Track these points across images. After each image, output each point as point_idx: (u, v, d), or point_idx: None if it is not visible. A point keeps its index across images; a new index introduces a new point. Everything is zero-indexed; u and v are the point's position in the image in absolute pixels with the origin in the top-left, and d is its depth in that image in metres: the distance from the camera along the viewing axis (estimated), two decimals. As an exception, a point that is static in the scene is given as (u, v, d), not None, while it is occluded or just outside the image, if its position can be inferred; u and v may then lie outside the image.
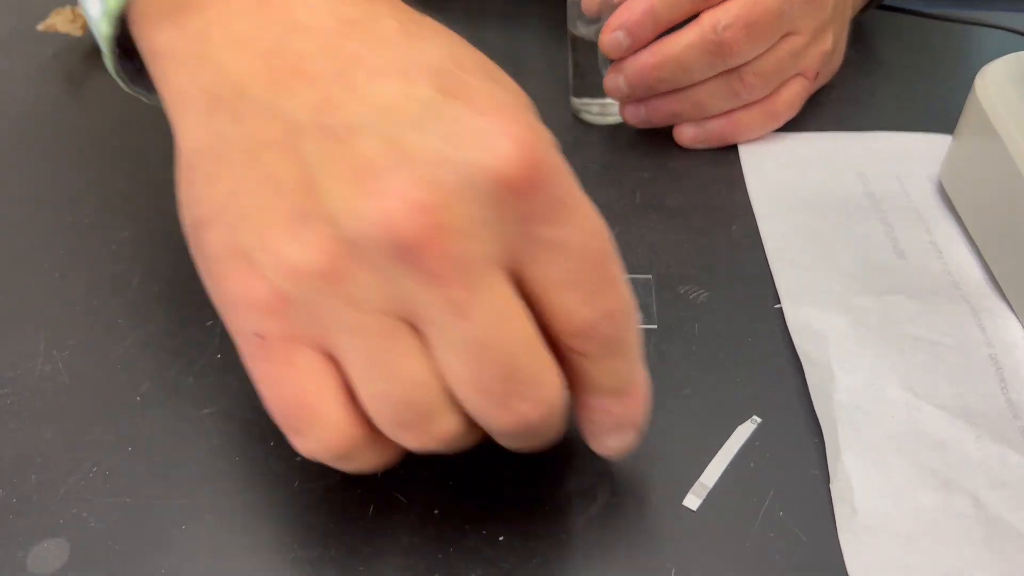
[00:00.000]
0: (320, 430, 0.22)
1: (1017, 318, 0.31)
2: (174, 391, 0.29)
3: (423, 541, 0.25)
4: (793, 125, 0.42)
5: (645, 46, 0.38)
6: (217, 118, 0.22)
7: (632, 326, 0.23)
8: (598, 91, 0.41)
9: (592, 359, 0.22)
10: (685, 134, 0.41)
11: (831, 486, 0.26)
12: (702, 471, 0.27)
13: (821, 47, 0.40)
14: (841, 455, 0.27)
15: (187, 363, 0.30)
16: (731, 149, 0.40)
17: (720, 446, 0.27)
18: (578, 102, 0.43)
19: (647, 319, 0.32)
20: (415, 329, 0.21)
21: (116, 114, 0.44)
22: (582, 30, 0.40)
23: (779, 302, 0.32)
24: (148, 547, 0.25)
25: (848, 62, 0.45)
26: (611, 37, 0.38)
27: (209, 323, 0.31)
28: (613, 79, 0.39)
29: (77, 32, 0.48)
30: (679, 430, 0.28)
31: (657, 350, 0.30)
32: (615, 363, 0.23)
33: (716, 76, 0.38)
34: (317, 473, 0.27)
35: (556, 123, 0.44)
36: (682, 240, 0.35)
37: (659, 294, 0.33)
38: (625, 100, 0.40)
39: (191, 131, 0.23)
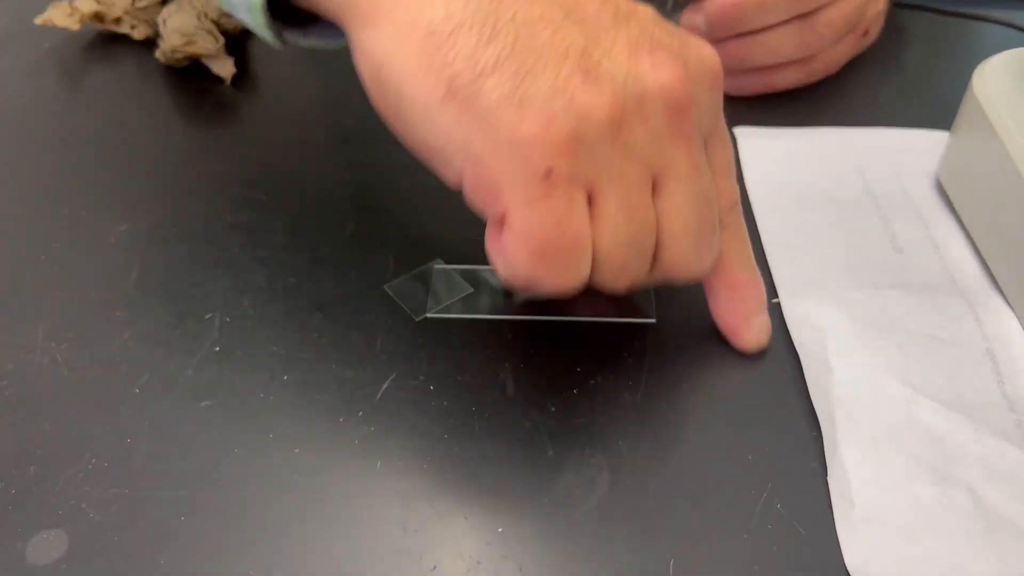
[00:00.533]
0: (576, 265, 0.25)
1: (1013, 313, 0.31)
2: (173, 384, 0.29)
3: (422, 534, 0.25)
4: (792, 120, 0.42)
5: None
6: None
7: (744, 225, 0.30)
8: None
9: (733, 231, 0.29)
10: (733, 57, 0.42)
11: (829, 479, 0.26)
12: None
13: (878, 4, 0.44)
14: (839, 448, 0.27)
15: (186, 356, 0.30)
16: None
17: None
18: None
19: (646, 313, 0.32)
20: (656, 186, 0.26)
21: (113, 108, 0.43)
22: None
23: (777, 296, 0.32)
24: (147, 539, 0.25)
25: (849, 60, 0.45)
26: (688, 19, 0.41)
27: (208, 316, 0.31)
28: (691, 18, 0.41)
29: (75, 26, 0.47)
30: (676, 423, 0.28)
31: (655, 345, 0.31)
32: (745, 239, 0.30)
33: (789, 24, 0.40)
34: (316, 466, 0.27)
35: None
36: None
37: (657, 289, 0.33)
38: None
39: (440, 8, 0.24)
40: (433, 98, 0.24)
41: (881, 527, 0.25)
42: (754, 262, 0.30)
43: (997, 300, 0.32)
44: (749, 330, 0.30)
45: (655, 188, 0.26)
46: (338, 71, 0.46)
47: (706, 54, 0.27)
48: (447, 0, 0.25)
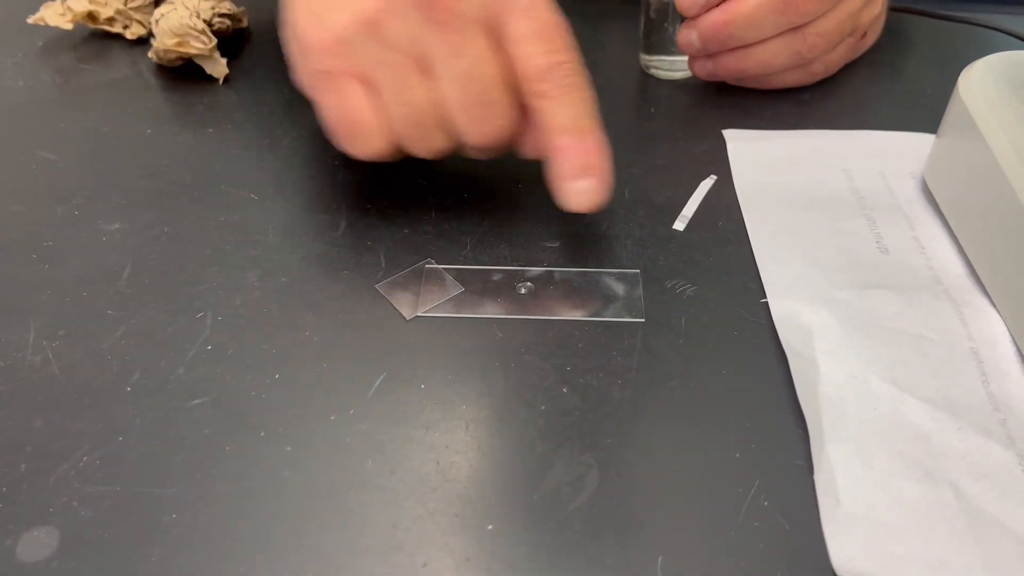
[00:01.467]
0: (365, 137, 0.32)
1: (998, 313, 0.31)
2: (165, 381, 0.29)
3: (413, 531, 0.25)
4: (781, 123, 0.43)
5: (718, 5, 0.41)
6: None
7: (582, 84, 0.31)
8: (666, 49, 0.45)
9: (550, 99, 0.31)
10: (727, 70, 0.43)
11: (815, 477, 0.26)
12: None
13: (873, 9, 0.44)
14: (825, 446, 0.27)
15: (178, 354, 0.30)
16: (719, 146, 0.41)
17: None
18: (647, 59, 0.47)
19: (635, 313, 0.32)
20: (425, 70, 0.31)
21: (106, 107, 0.43)
22: None
23: (765, 296, 0.32)
24: (138, 536, 0.25)
25: (835, 61, 0.46)
26: (684, 34, 0.42)
27: (200, 314, 0.32)
28: (686, 35, 0.42)
29: (67, 25, 0.47)
30: (665, 422, 0.28)
31: (644, 344, 0.31)
32: (569, 104, 0.31)
33: (781, 36, 0.41)
34: (307, 464, 0.27)
35: (626, 79, 0.46)
36: (670, 235, 0.36)
37: (647, 288, 0.33)
38: (696, 55, 0.43)
39: None
40: (280, 27, 0.34)
41: (867, 524, 0.25)
42: (585, 125, 0.31)
43: (982, 300, 0.32)
44: (565, 191, 0.32)
45: (427, 72, 0.31)
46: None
47: None
48: None
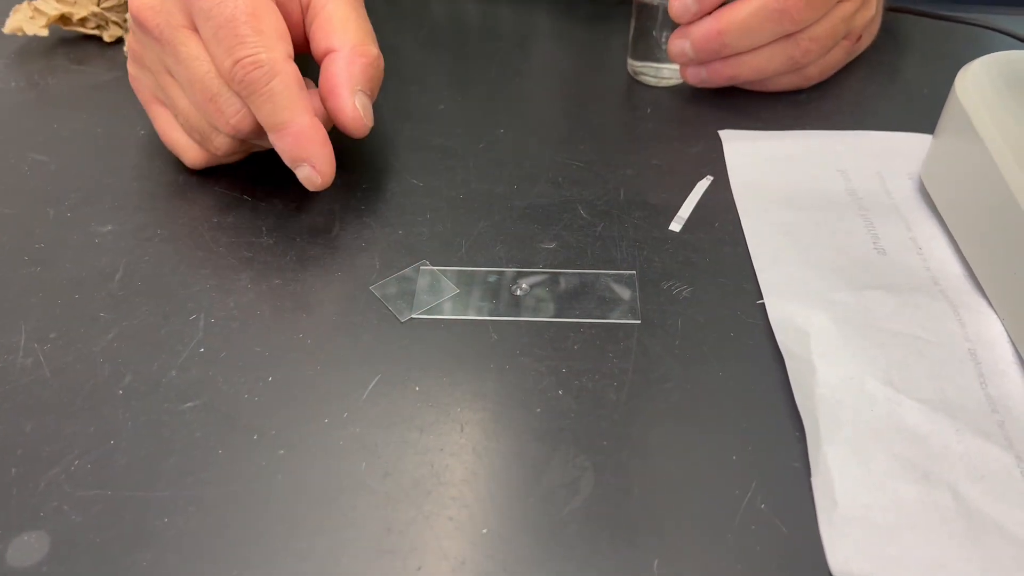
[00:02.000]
0: (183, 154, 0.37)
1: (995, 313, 0.31)
2: (156, 384, 0.29)
3: (407, 535, 0.25)
4: (777, 123, 0.42)
5: (710, 13, 0.41)
6: None
7: (262, 78, 0.32)
8: (655, 56, 0.44)
9: (247, 98, 0.33)
10: (720, 77, 0.43)
11: (812, 479, 0.26)
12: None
13: (866, 13, 0.44)
14: (822, 448, 0.27)
15: (170, 357, 0.30)
16: (716, 146, 0.41)
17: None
18: (636, 64, 0.46)
19: (631, 314, 0.32)
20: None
21: (97, 107, 0.43)
22: None
23: (761, 298, 0.32)
24: (129, 540, 0.25)
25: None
26: (680, 2, 0.41)
27: (192, 317, 0.31)
28: (679, 44, 0.42)
29: (42, 32, 0.47)
30: (661, 424, 0.28)
31: (640, 345, 0.31)
32: (261, 104, 0.32)
33: (774, 43, 0.41)
34: (301, 467, 0.26)
35: (621, 80, 0.46)
36: (666, 236, 0.35)
37: (642, 289, 0.33)
38: (689, 64, 0.43)
39: None
40: None
41: (864, 526, 0.25)
42: (278, 121, 0.33)
43: (979, 301, 0.32)
44: (299, 177, 0.34)
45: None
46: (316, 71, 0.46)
47: None
48: None
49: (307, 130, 0.33)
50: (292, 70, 0.33)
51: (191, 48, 0.33)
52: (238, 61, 0.32)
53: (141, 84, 0.37)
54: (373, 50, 0.35)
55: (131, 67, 0.37)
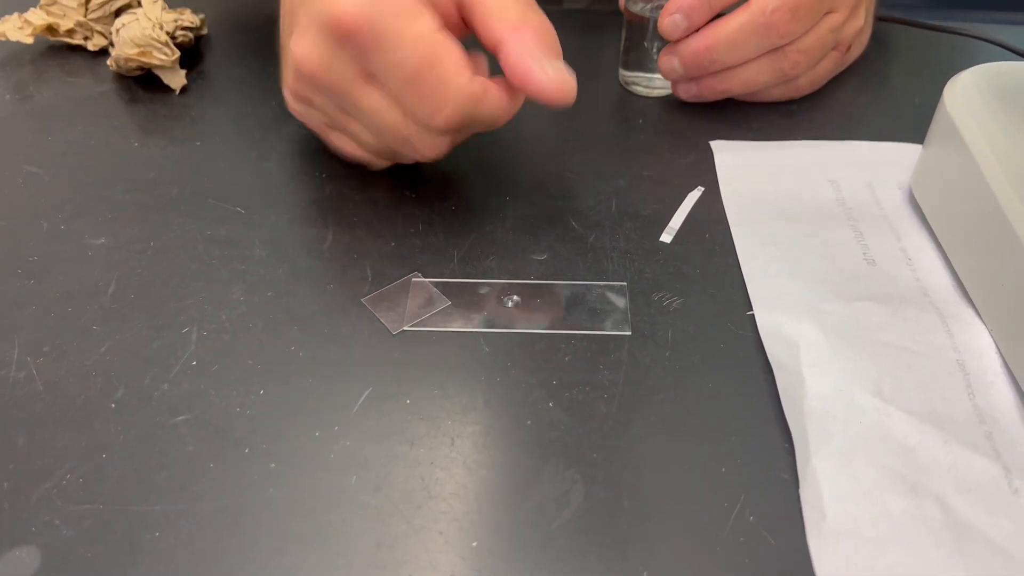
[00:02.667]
0: (370, 166, 0.38)
1: (984, 325, 0.31)
2: (149, 398, 0.29)
3: (397, 548, 0.25)
4: (768, 134, 0.43)
5: (698, 30, 0.41)
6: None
7: (475, 110, 0.32)
8: (646, 66, 0.45)
9: (462, 129, 0.33)
10: (711, 91, 0.43)
11: (801, 491, 0.26)
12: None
13: (855, 23, 0.44)
14: (811, 460, 0.27)
15: (162, 370, 0.30)
16: (707, 157, 0.41)
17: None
18: (627, 75, 0.47)
19: (622, 326, 0.32)
20: (371, 82, 0.32)
21: (92, 119, 0.43)
22: (636, 7, 0.43)
23: (751, 309, 0.32)
24: (121, 554, 0.25)
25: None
26: (670, 20, 0.41)
27: (185, 330, 0.31)
28: (668, 61, 0.42)
29: (27, 39, 0.47)
30: (650, 436, 0.28)
31: (631, 357, 0.31)
32: (477, 127, 0.34)
33: (763, 56, 0.41)
34: (291, 481, 0.27)
35: (612, 91, 0.46)
36: (656, 248, 0.35)
37: (633, 301, 0.33)
38: (680, 80, 0.43)
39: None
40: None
41: (852, 538, 0.25)
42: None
43: (968, 312, 0.32)
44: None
45: (374, 84, 0.32)
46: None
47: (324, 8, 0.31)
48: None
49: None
50: (480, 82, 0.32)
51: (373, 100, 0.33)
52: (439, 113, 0.32)
53: (311, 118, 0.37)
54: (534, 18, 0.32)
55: (296, 105, 0.36)
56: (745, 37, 0.40)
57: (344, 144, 0.37)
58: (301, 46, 0.32)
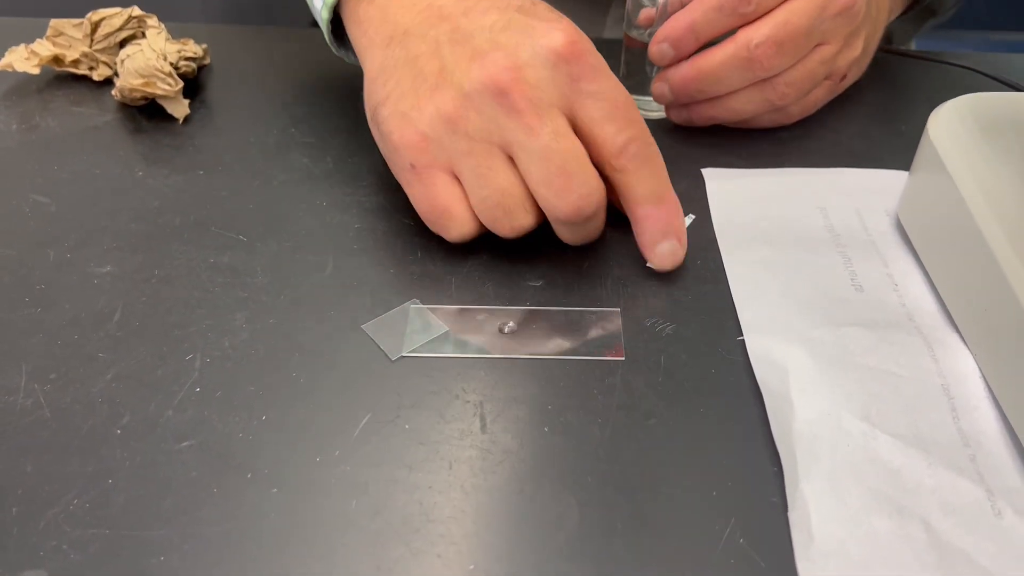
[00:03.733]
0: (455, 223, 0.36)
1: (968, 349, 0.32)
2: (154, 424, 0.30)
3: (396, 572, 0.26)
4: (759, 161, 0.44)
5: (688, 57, 0.42)
6: (391, 49, 0.36)
7: (655, 152, 0.35)
8: (645, 89, 0.46)
9: (629, 173, 0.34)
10: (701, 118, 0.45)
11: (789, 514, 0.27)
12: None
13: (851, 53, 0.44)
14: (799, 483, 0.28)
15: (166, 397, 0.31)
16: (698, 185, 0.42)
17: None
18: None
19: (615, 351, 0.33)
20: (507, 155, 0.34)
21: (96, 149, 0.44)
22: (635, 33, 0.45)
23: (742, 334, 0.33)
24: (126, 578, 0.25)
25: (811, 100, 0.47)
26: (658, 48, 0.43)
27: (189, 357, 0.32)
28: (659, 87, 0.44)
29: (34, 70, 0.48)
30: (643, 460, 0.29)
31: (624, 382, 0.31)
32: (646, 177, 0.35)
33: (751, 87, 0.42)
34: (293, 506, 0.27)
35: None
36: (649, 274, 0.36)
37: (627, 327, 0.34)
38: (671, 105, 0.45)
39: (375, 60, 0.37)
40: (369, 122, 0.38)
41: (839, 559, 0.26)
42: (662, 194, 0.35)
43: (953, 337, 0.33)
44: (653, 254, 0.36)
45: (508, 156, 0.34)
46: (306, 114, 0.47)
47: (543, 42, 0.33)
48: (379, 54, 0.37)
49: (677, 205, 0.36)
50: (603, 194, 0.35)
51: (559, 125, 0.33)
52: (634, 138, 0.34)
53: (435, 146, 0.35)
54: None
55: (428, 129, 0.35)
56: (729, 70, 0.41)
57: (440, 190, 0.35)
58: (494, 63, 0.33)
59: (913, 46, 0.67)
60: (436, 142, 0.34)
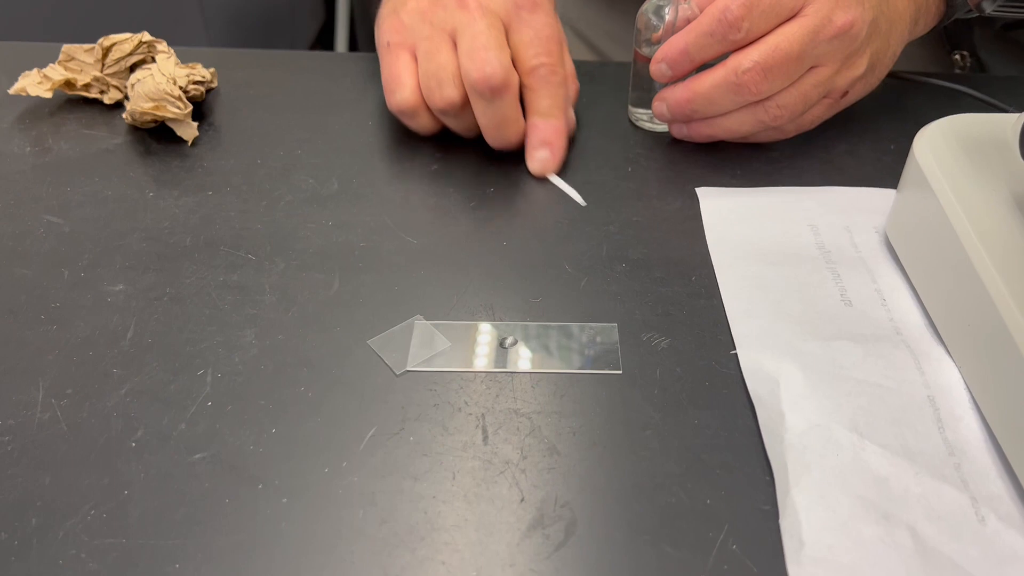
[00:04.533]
0: (400, 90, 0.45)
1: (953, 362, 0.33)
2: (167, 438, 0.31)
3: (402, 571, 0.27)
4: (752, 180, 0.45)
5: (685, 78, 0.44)
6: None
7: (559, 81, 0.44)
8: (651, 103, 0.48)
9: (533, 91, 0.44)
10: (699, 135, 0.47)
11: (781, 521, 0.28)
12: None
13: (852, 72, 0.44)
14: (790, 491, 0.29)
15: (179, 411, 0.32)
16: (693, 203, 0.43)
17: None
18: (635, 111, 0.50)
19: (612, 365, 0.34)
20: (453, 41, 0.43)
21: (108, 170, 0.45)
22: (644, 51, 0.46)
23: (735, 348, 0.34)
24: (143, 586, 0.26)
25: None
26: (656, 67, 0.45)
27: (200, 372, 0.33)
28: (659, 105, 0.46)
29: (47, 94, 0.50)
30: (639, 470, 0.30)
31: (621, 395, 0.33)
32: (545, 95, 0.44)
33: (744, 108, 0.44)
34: (302, 515, 0.28)
35: (607, 141, 0.49)
36: (645, 290, 0.38)
37: (624, 341, 0.35)
38: (670, 122, 0.47)
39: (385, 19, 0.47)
40: (375, 19, 0.49)
41: (829, 565, 0.27)
42: (553, 113, 0.44)
43: (938, 350, 0.34)
44: (531, 158, 0.45)
45: (454, 42, 0.43)
46: (311, 136, 0.49)
47: None
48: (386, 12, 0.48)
49: (562, 126, 0.45)
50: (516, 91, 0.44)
51: (495, 29, 0.42)
52: (544, 63, 0.43)
53: (407, 31, 0.45)
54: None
55: (410, 17, 0.45)
56: (719, 94, 0.42)
57: (400, 64, 0.45)
58: None
59: None
60: (409, 28, 0.45)
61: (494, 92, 0.41)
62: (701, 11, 0.42)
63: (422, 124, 0.46)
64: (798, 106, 0.44)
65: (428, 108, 0.45)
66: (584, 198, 0.44)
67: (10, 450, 0.30)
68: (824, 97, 0.45)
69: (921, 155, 0.37)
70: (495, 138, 0.45)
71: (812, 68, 0.43)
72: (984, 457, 0.30)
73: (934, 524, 0.28)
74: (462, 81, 0.42)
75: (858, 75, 0.44)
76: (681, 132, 0.47)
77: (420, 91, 0.44)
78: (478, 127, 0.45)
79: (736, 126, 0.44)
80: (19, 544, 0.27)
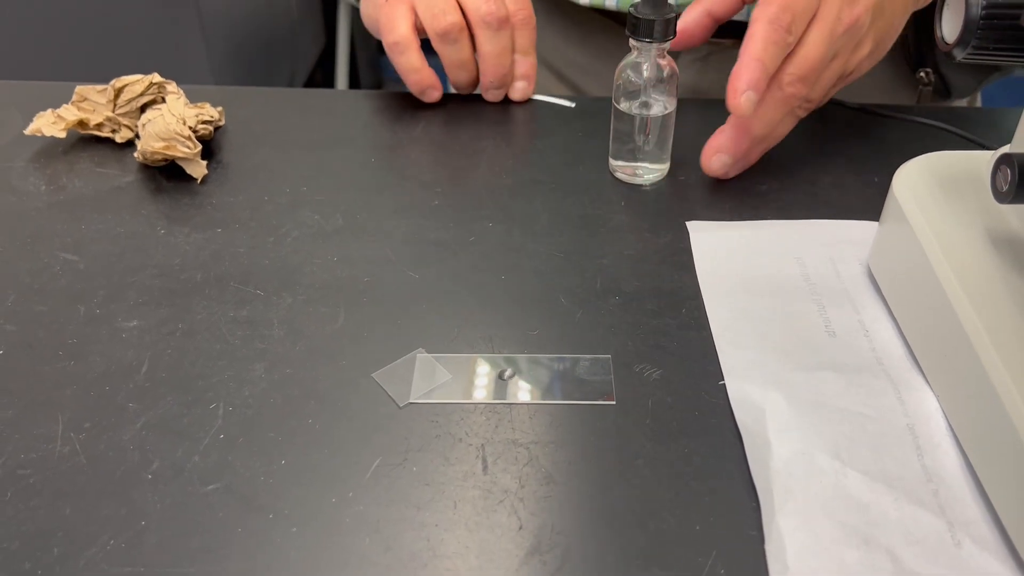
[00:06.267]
0: (397, 28, 0.53)
1: (931, 391, 0.35)
2: (181, 469, 0.32)
3: (406, 602, 0.28)
4: (740, 214, 0.47)
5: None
6: None
7: (534, 30, 0.56)
8: (631, 156, 0.49)
9: (515, 30, 0.55)
10: (756, 156, 0.49)
11: (766, 546, 0.30)
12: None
13: (859, 54, 0.49)
14: (775, 517, 0.30)
15: (193, 443, 0.33)
16: (683, 236, 0.45)
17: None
18: (615, 163, 0.51)
19: (606, 396, 0.35)
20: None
21: (120, 208, 0.47)
22: (623, 105, 0.48)
23: (723, 378, 0.36)
24: (161, 612, 0.28)
25: (793, 154, 0.50)
26: (746, 98, 0.43)
27: (212, 405, 0.35)
28: (719, 161, 0.48)
29: (60, 134, 0.51)
30: (632, 497, 0.31)
31: (615, 425, 0.34)
32: (524, 37, 0.55)
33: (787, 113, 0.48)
34: (311, 543, 0.30)
35: (591, 181, 0.50)
36: (638, 322, 0.39)
37: (617, 372, 0.36)
38: (731, 172, 0.49)
39: None
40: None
41: (811, 588, 0.28)
42: (531, 49, 0.56)
43: (918, 379, 0.36)
44: (513, 89, 0.57)
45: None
46: (316, 172, 0.50)
47: None
48: None
49: (505, 65, 0.55)
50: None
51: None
52: (492, 12, 0.53)
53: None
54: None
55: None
56: (771, 111, 0.46)
57: (398, 14, 0.53)
58: None
59: (979, 97, 0.72)
60: None
61: (500, 23, 0.52)
62: (674, 63, 0.47)
63: (411, 61, 0.54)
64: (822, 95, 0.48)
65: (418, 47, 0.53)
66: (579, 231, 0.45)
67: (32, 482, 0.32)
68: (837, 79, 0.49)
69: (900, 192, 0.39)
70: (495, 66, 0.54)
71: (831, 60, 0.47)
72: (960, 483, 0.32)
73: (912, 548, 0.29)
74: (461, 10, 0.52)
75: (864, 55, 0.49)
76: (738, 168, 0.49)
77: (415, 30, 0.53)
78: (471, 62, 0.55)
79: (784, 130, 0.48)
80: (42, 573, 0.29)
